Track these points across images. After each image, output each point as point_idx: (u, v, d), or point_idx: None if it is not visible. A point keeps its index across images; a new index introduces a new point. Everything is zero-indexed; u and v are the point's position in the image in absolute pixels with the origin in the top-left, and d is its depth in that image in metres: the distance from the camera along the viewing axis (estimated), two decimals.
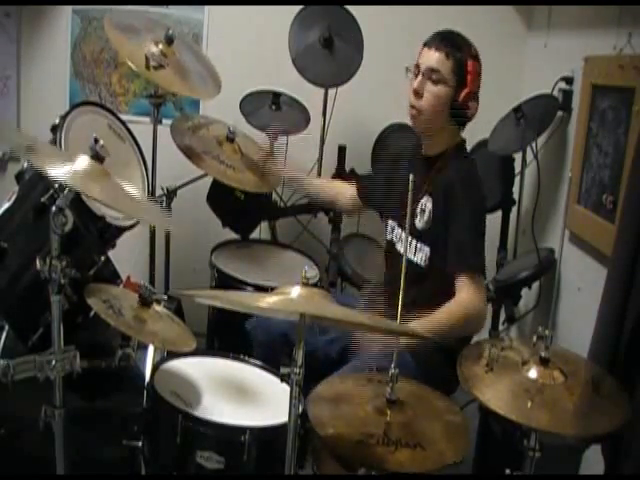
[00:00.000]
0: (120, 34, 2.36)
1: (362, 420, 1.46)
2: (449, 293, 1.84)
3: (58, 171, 1.42)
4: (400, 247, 2.06)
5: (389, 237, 2.13)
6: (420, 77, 1.91)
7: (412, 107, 1.95)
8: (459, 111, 1.91)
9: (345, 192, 2.35)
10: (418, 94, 1.92)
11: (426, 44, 1.93)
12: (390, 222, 2.13)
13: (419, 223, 1.96)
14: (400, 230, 2.07)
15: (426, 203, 1.94)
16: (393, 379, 1.48)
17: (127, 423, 1.82)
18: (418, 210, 1.96)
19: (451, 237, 1.87)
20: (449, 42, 1.90)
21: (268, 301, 1.30)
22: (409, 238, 1.99)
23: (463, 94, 1.89)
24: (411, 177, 1.52)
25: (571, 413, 1.38)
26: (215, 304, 2.11)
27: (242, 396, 1.85)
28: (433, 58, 1.89)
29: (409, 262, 1.92)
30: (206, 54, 2.87)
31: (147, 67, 2.30)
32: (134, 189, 1.65)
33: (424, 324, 1.74)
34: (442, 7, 2.95)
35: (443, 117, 1.93)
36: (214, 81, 2.57)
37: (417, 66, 1.94)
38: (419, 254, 1.95)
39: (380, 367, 1.85)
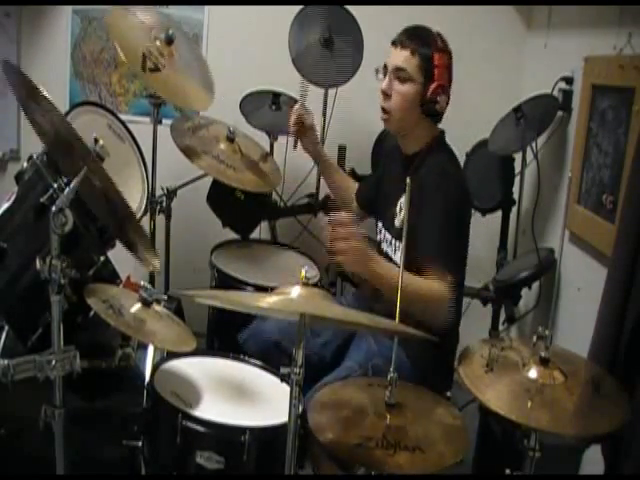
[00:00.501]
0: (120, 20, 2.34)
1: (361, 424, 1.46)
2: None
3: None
4: (385, 246, 2.06)
5: (377, 238, 2.13)
6: (387, 78, 1.90)
7: (382, 109, 1.94)
8: (428, 106, 1.88)
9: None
10: (386, 95, 1.91)
11: (393, 42, 1.92)
12: (378, 223, 2.14)
13: (397, 222, 1.96)
14: (385, 230, 2.07)
15: (403, 201, 1.93)
16: (392, 383, 1.48)
17: (127, 423, 1.82)
18: (397, 209, 1.96)
19: (419, 232, 1.80)
20: (414, 38, 1.88)
21: (268, 301, 1.30)
22: (390, 237, 2.00)
23: (431, 89, 1.86)
24: (408, 180, 1.52)
25: (571, 413, 1.38)
26: (215, 304, 2.11)
27: (242, 396, 1.85)
28: (399, 57, 1.88)
29: (391, 261, 1.92)
30: (206, 54, 2.88)
31: (143, 68, 2.29)
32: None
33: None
34: (442, 7, 2.95)
35: (414, 114, 1.91)
36: (208, 90, 2.54)
37: (385, 66, 1.92)
38: (398, 253, 1.92)
39: (375, 366, 1.86)
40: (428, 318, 1.68)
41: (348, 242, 1.65)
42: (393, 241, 1.98)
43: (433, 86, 1.86)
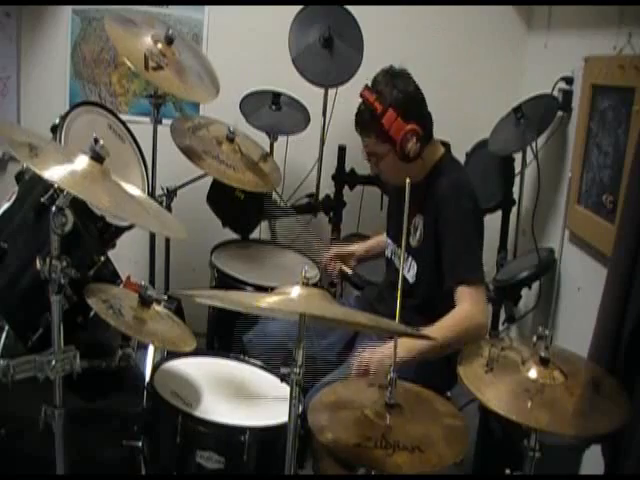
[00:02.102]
0: (120, 29, 2.35)
1: (361, 424, 1.45)
2: (434, 309, 1.85)
3: (57, 173, 1.41)
4: (397, 261, 2.06)
5: (387, 253, 2.16)
6: (370, 162, 2.02)
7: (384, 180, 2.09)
8: (408, 156, 1.90)
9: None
10: (377, 175, 2.08)
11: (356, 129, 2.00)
12: (388, 240, 2.16)
13: (412, 241, 1.97)
14: (395, 245, 2.09)
15: (419, 222, 1.96)
16: (392, 383, 1.48)
17: (127, 423, 1.82)
18: (412, 228, 1.97)
19: (446, 251, 1.87)
20: (359, 122, 1.96)
21: (268, 301, 1.30)
22: (405, 255, 2.01)
23: (398, 146, 1.88)
24: (407, 180, 1.52)
25: (571, 413, 1.38)
26: (215, 304, 2.11)
27: (242, 396, 1.85)
28: (364, 144, 1.99)
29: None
30: (206, 54, 2.87)
31: (146, 67, 2.29)
32: (136, 189, 1.65)
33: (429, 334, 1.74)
34: (442, 7, 2.95)
35: (405, 167, 1.92)
36: (213, 84, 2.56)
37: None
38: (411, 270, 1.97)
39: None
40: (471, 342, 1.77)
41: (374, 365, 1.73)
42: (409, 259, 1.99)
43: (398, 144, 1.88)
